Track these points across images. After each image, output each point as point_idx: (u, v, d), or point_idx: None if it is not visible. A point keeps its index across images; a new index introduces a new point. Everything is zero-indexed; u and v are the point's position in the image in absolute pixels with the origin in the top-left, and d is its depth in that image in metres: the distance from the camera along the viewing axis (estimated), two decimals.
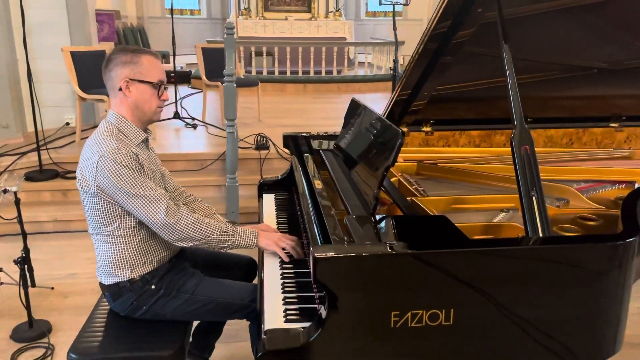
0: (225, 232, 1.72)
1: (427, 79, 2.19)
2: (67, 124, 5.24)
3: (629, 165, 2.34)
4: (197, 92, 7.38)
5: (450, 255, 1.21)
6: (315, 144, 2.45)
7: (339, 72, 8.84)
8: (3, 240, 3.55)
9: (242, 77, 6.04)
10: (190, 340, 2.00)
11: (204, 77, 5.55)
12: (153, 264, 1.78)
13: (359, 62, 9.18)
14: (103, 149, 1.64)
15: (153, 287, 1.76)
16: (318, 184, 1.84)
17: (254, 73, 8.25)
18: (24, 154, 4.24)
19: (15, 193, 2.41)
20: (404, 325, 1.23)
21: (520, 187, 1.37)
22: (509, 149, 2.49)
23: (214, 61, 5.55)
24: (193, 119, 5.58)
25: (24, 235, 2.54)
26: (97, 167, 1.64)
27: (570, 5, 2.36)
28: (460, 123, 2.64)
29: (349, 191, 1.70)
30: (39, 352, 2.39)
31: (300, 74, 8.23)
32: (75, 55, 4.50)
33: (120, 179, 1.63)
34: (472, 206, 1.81)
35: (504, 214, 1.80)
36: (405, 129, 2.59)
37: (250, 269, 2.07)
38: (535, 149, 2.50)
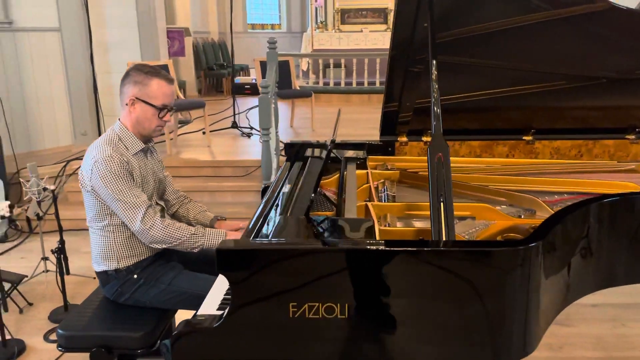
0: (194, 234, 1.90)
1: (404, 91, 2.26)
2: None
3: (628, 179, 2.25)
4: None
5: (338, 253, 1.31)
6: (315, 152, 2.58)
7: None
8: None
9: (298, 88, 6.28)
10: None
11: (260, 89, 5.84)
12: (137, 257, 2.00)
13: None
14: (98, 155, 1.88)
15: (135, 276, 1.98)
16: (285, 188, 1.99)
17: (331, 84, 8.53)
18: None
19: (53, 191, 2.76)
20: (301, 315, 1.34)
21: (430, 192, 1.43)
22: (506, 159, 2.54)
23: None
24: (252, 128, 5.90)
25: (60, 228, 2.89)
26: (92, 170, 1.88)
27: (564, 15, 2.34)
28: (460, 133, 2.66)
29: (304, 194, 1.82)
30: None
31: (366, 84, 8.36)
32: None
33: (108, 183, 1.85)
34: (426, 213, 1.86)
35: (455, 221, 1.83)
36: (404, 139, 2.67)
37: None
38: (538, 160, 2.52)
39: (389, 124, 2.58)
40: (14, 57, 5.48)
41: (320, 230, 1.52)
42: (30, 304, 3.05)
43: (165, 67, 5.15)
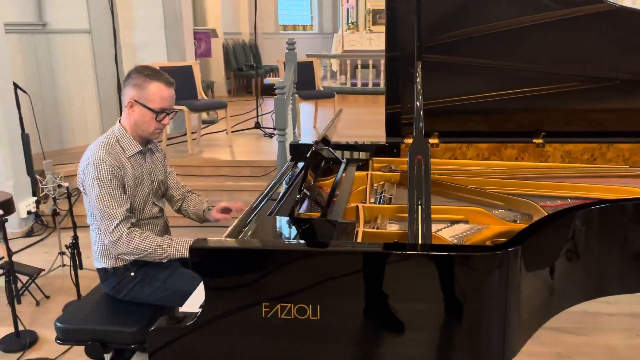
0: (159, 245, 1.89)
1: (404, 92, 2.24)
2: None
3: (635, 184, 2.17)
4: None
5: (304, 254, 1.31)
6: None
7: None
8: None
9: (322, 89, 6.29)
10: None
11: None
12: (137, 256, 2.03)
13: None
14: (91, 158, 1.91)
15: (132, 274, 2.02)
16: (280, 188, 2.00)
17: (359, 85, 8.54)
18: None
19: (67, 188, 2.85)
20: (274, 316, 1.34)
21: (409, 194, 1.41)
22: (512, 162, 2.48)
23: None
24: (274, 129, 5.93)
25: (74, 225, 2.98)
26: (84, 172, 1.93)
27: (576, 14, 2.28)
28: (469, 135, 2.61)
29: (292, 195, 1.83)
30: None
31: None
32: (163, 70, 5.04)
33: (94, 188, 1.88)
34: None
35: (447, 224, 1.81)
36: (411, 141, 2.63)
37: None
38: (544, 163, 2.45)
39: (393, 126, 2.56)
40: (47, 58, 5.68)
41: (300, 231, 1.51)
42: (47, 297, 3.16)
43: (188, 69, 5.25)
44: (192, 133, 5.14)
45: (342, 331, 1.34)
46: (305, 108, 6.31)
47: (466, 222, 1.83)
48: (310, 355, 1.37)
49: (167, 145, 5.24)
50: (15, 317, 2.66)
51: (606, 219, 1.53)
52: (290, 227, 1.52)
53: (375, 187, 2.23)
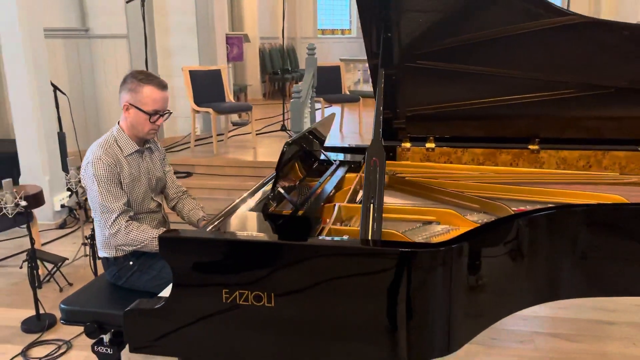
0: (155, 237, 2.03)
1: (391, 98, 2.32)
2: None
3: (630, 192, 2.18)
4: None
5: (255, 245, 1.43)
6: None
7: None
8: None
9: (348, 93, 6.39)
10: None
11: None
12: (135, 247, 2.19)
13: None
14: (90, 157, 2.08)
15: (131, 263, 2.18)
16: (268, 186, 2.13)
17: None
18: None
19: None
20: (233, 301, 1.46)
21: (363, 194, 1.50)
22: (502, 168, 2.52)
23: (323, 78, 5.99)
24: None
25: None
26: (84, 169, 2.11)
27: (568, 23, 2.30)
28: (464, 140, 2.67)
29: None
30: None
31: None
32: (192, 74, 5.28)
33: (92, 184, 2.05)
34: (393, 215, 1.93)
35: (419, 225, 1.89)
36: (408, 145, 2.71)
37: None
38: (534, 169, 2.48)
39: (390, 130, 2.64)
40: (88, 62, 6.03)
41: (264, 225, 1.63)
42: (70, 284, 3.38)
43: (217, 72, 5.45)
44: (219, 135, 5.34)
45: (295, 320, 1.45)
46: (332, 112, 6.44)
47: (438, 223, 1.91)
48: (266, 341, 1.48)
49: (195, 145, 5.46)
50: (36, 301, 2.88)
51: (555, 224, 1.57)
52: (257, 222, 1.64)
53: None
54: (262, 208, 1.73)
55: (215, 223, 1.69)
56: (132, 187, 2.14)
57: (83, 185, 2.14)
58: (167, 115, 2.16)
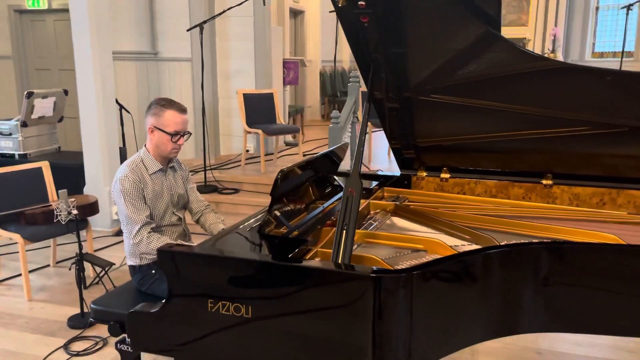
0: None
1: (396, 129, 2.44)
2: (247, 151, 6.43)
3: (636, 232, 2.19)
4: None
5: (234, 261, 1.60)
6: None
7: None
8: None
9: None
10: None
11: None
12: (155, 256, 2.44)
13: None
14: (119, 174, 2.36)
15: (153, 272, 2.43)
16: None
17: None
18: (196, 171, 5.47)
19: None
20: (217, 311, 1.65)
21: (339, 219, 1.65)
22: (506, 200, 2.57)
23: None
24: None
25: None
26: (114, 186, 2.39)
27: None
28: (478, 172, 2.73)
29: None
30: None
31: None
32: (246, 97, 5.60)
33: (119, 199, 2.33)
34: (381, 241, 2.05)
35: (408, 252, 2.00)
36: (423, 174, 2.82)
37: None
38: (539, 204, 2.52)
39: (404, 159, 2.76)
40: (156, 82, 6.52)
41: (253, 244, 1.81)
42: (115, 287, 3.70)
43: (270, 95, 5.75)
44: (268, 155, 5.61)
45: (268, 330, 1.61)
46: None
47: (425, 251, 2.01)
48: (242, 345, 1.65)
49: (245, 163, 5.76)
50: (81, 300, 3.21)
51: (511, 261, 1.65)
52: (249, 241, 1.82)
53: (372, 214, 2.46)
54: (258, 228, 1.91)
55: (212, 239, 1.88)
56: (155, 202, 2.39)
57: (113, 200, 2.42)
58: (187, 135, 2.41)
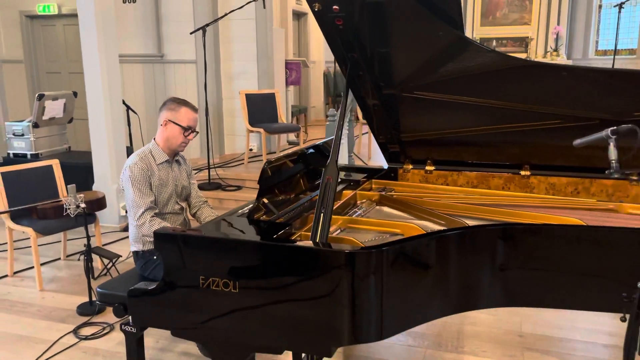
0: None
1: (380, 125, 2.61)
2: (250, 149, 6.62)
3: (606, 217, 2.34)
4: None
5: (221, 241, 1.78)
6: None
7: None
8: None
9: None
10: None
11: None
12: None
13: None
14: (128, 162, 2.57)
15: (155, 257, 2.61)
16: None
17: None
18: (201, 169, 5.66)
19: None
20: (208, 287, 1.82)
21: (317, 204, 1.82)
22: (485, 190, 2.72)
23: None
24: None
25: None
26: (123, 173, 2.58)
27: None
28: (460, 164, 2.89)
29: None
30: None
31: None
32: (248, 97, 5.79)
33: (127, 184, 2.53)
34: (363, 227, 2.22)
35: (387, 235, 2.17)
36: (409, 167, 2.98)
37: None
38: (514, 193, 2.67)
39: (391, 153, 2.93)
40: (162, 84, 6.73)
41: (241, 228, 1.99)
42: None
43: (272, 95, 5.93)
44: (270, 153, 5.78)
45: (254, 305, 1.78)
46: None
47: (402, 235, 2.17)
48: (230, 318, 1.82)
49: (248, 162, 5.95)
50: (90, 289, 3.40)
51: (469, 241, 1.82)
52: (235, 226, 1.99)
53: (358, 204, 2.63)
54: (248, 214, 2.09)
55: (205, 224, 2.06)
56: (160, 190, 2.59)
57: (121, 186, 2.61)
58: (196, 133, 2.61)
